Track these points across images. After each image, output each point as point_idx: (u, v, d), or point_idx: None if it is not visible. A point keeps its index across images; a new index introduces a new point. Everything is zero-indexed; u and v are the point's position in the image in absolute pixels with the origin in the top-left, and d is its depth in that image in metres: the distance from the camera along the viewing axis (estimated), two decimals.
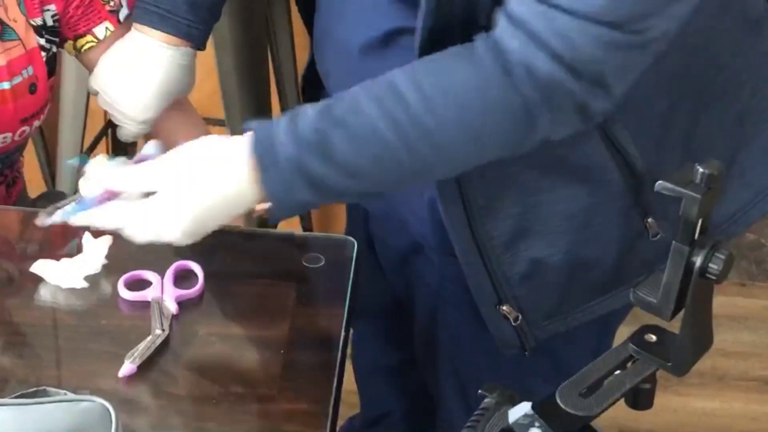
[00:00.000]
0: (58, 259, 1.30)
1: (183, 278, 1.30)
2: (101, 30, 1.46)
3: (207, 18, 1.44)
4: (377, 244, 1.60)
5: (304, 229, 2.36)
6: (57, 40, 1.46)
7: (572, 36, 1.07)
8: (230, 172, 1.15)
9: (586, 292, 1.35)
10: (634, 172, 1.26)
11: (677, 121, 1.28)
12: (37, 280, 1.28)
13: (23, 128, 1.45)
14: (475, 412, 0.93)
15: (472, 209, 1.27)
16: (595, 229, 1.29)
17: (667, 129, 1.28)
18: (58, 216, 1.23)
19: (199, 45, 1.45)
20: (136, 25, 1.44)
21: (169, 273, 1.29)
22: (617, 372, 0.95)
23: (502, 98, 1.11)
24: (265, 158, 1.14)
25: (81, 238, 1.32)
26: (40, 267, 1.28)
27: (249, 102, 2.21)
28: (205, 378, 1.19)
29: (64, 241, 1.35)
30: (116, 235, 1.24)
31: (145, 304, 1.26)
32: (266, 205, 1.17)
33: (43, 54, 1.44)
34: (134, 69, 1.44)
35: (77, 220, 1.22)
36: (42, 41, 1.44)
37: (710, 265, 0.89)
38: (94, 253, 1.30)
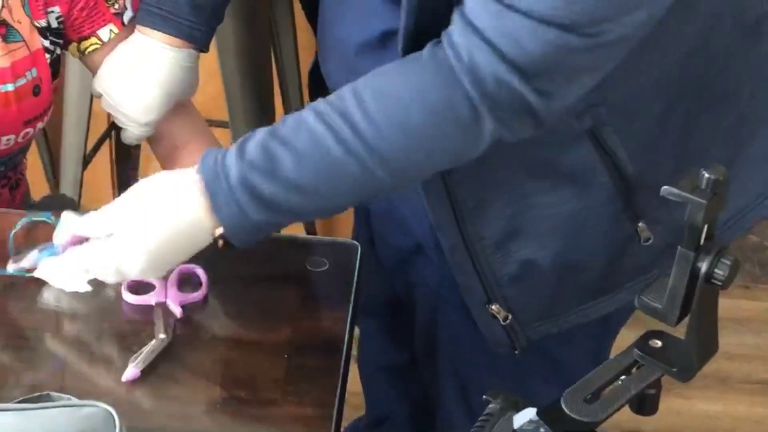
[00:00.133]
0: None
1: (187, 282, 1.30)
2: (105, 32, 1.46)
3: (210, 20, 1.44)
4: (378, 243, 1.60)
5: (308, 233, 2.36)
6: (61, 42, 1.46)
7: (522, 37, 1.06)
8: (182, 204, 1.18)
9: (577, 294, 1.35)
10: (624, 176, 1.26)
11: (671, 124, 1.28)
12: (41, 283, 1.27)
13: (27, 130, 1.45)
14: (480, 418, 0.92)
15: (461, 210, 1.27)
16: (586, 232, 1.29)
17: (660, 133, 1.27)
18: (27, 261, 1.26)
19: (202, 47, 1.45)
20: (138, 27, 1.44)
21: (173, 277, 1.29)
22: (622, 378, 0.94)
23: (443, 100, 1.11)
24: (213, 183, 1.15)
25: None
26: (44, 271, 1.28)
27: (252, 104, 2.21)
28: (209, 382, 1.19)
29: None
30: None
31: (149, 308, 1.26)
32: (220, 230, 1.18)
33: (48, 56, 1.44)
34: (137, 71, 1.44)
35: (44, 266, 1.25)
36: (46, 43, 1.44)
37: (716, 270, 0.88)
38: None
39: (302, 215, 1.23)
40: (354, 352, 1.33)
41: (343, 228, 2.31)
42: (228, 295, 1.31)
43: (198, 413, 1.16)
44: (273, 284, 1.33)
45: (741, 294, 2.67)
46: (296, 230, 2.26)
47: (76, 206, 1.90)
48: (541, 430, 0.90)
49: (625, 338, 1.35)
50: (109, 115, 1.52)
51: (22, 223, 1.32)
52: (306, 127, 1.14)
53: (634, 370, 0.95)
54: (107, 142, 2.38)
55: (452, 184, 1.26)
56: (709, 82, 1.28)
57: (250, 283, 1.32)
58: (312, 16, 1.45)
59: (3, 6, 1.39)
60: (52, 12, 1.43)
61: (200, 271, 1.30)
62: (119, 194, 1.25)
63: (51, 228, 1.27)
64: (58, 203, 1.70)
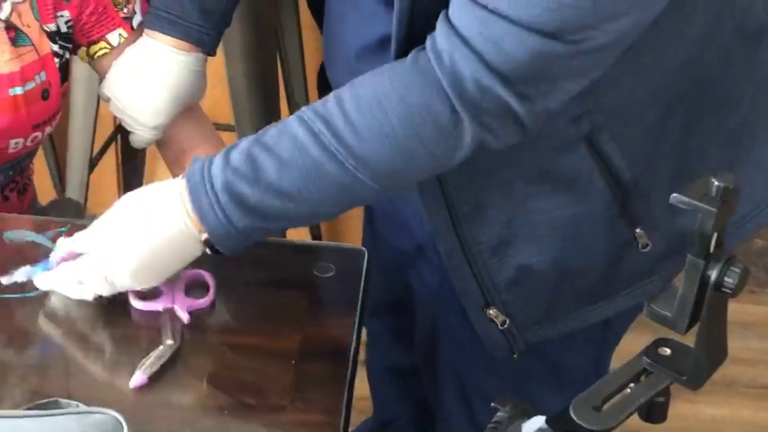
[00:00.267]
0: None
1: (194, 288, 1.30)
2: (115, 37, 1.46)
3: (218, 24, 1.45)
4: (381, 245, 1.60)
5: (313, 238, 2.36)
6: (70, 46, 1.46)
7: (505, 43, 1.06)
8: (167, 212, 1.19)
9: (575, 299, 1.35)
10: (620, 182, 1.26)
11: (669, 131, 1.27)
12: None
13: (35, 134, 1.45)
14: (489, 426, 0.92)
15: (458, 215, 1.28)
16: (583, 237, 1.29)
17: (658, 139, 1.27)
18: (22, 275, 1.26)
19: (210, 51, 1.46)
20: (147, 31, 1.44)
21: (181, 283, 1.29)
22: (631, 385, 0.94)
23: (423, 104, 1.11)
24: (197, 189, 1.17)
25: None
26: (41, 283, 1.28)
27: (258, 108, 2.21)
28: (217, 388, 1.19)
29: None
30: None
31: (156, 314, 1.26)
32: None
33: (57, 60, 1.44)
34: (145, 74, 1.44)
35: (39, 279, 1.26)
36: (55, 47, 1.44)
37: (726, 278, 0.88)
38: None
39: (286, 221, 1.23)
40: (362, 356, 1.33)
41: (350, 234, 2.31)
42: (235, 300, 1.30)
43: (205, 419, 1.16)
44: (280, 290, 1.33)
45: (747, 298, 2.67)
46: (302, 236, 2.27)
47: (82, 210, 1.90)
48: None
49: (629, 342, 1.36)
50: (114, 119, 1.52)
51: (27, 238, 1.33)
52: (289, 133, 1.15)
53: (642, 377, 0.95)
54: (113, 145, 2.38)
55: (449, 189, 1.26)
56: (708, 89, 1.28)
57: (257, 289, 1.32)
58: (319, 17, 1.46)
59: (12, 10, 1.39)
60: (62, 16, 1.44)
61: (208, 277, 1.30)
62: None
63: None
64: (65, 209, 1.71)
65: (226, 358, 1.23)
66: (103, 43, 1.47)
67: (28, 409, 1.06)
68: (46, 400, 1.08)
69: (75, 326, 1.26)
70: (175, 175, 1.37)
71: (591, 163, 1.24)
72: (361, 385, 1.40)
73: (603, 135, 1.22)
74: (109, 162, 2.43)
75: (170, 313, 1.26)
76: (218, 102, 2.11)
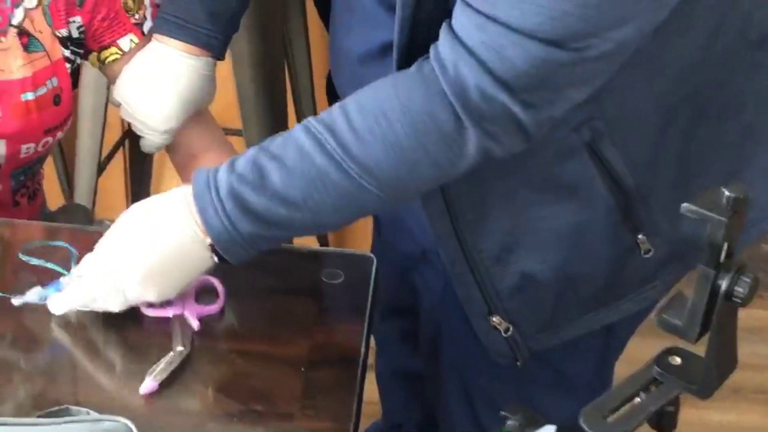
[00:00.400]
0: None
1: (204, 294, 1.30)
2: (126, 42, 1.47)
3: (226, 28, 1.45)
4: (388, 249, 1.61)
5: (321, 245, 2.36)
6: (82, 51, 1.47)
7: (508, 51, 1.06)
8: (173, 221, 1.20)
9: (578, 305, 1.35)
10: (623, 189, 1.26)
11: (671, 137, 1.27)
12: None
13: (46, 139, 1.46)
14: None
15: (459, 223, 1.28)
16: (585, 244, 1.29)
17: (660, 146, 1.27)
18: (34, 296, 1.26)
19: (219, 55, 1.46)
20: (156, 36, 1.45)
21: (191, 289, 1.29)
22: (641, 394, 0.94)
23: (426, 112, 1.11)
24: (203, 197, 1.17)
25: None
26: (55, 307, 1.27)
27: (266, 112, 2.22)
28: (226, 395, 1.19)
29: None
30: None
31: (167, 321, 1.26)
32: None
33: (68, 66, 1.45)
34: (155, 79, 1.44)
35: (53, 304, 1.25)
36: (67, 53, 1.44)
37: (736, 288, 0.89)
38: None
39: (292, 230, 1.23)
40: (370, 360, 1.33)
41: (357, 240, 2.31)
42: (245, 307, 1.31)
43: (215, 426, 1.16)
44: (289, 296, 1.33)
45: (754, 303, 2.65)
46: (310, 243, 2.27)
47: (90, 216, 1.90)
48: None
49: (636, 348, 1.36)
50: (122, 124, 1.52)
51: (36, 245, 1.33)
52: (294, 142, 1.16)
53: (652, 387, 0.95)
54: (121, 150, 2.39)
55: (451, 197, 1.26)
56: (711, 96, 1.28)
57: (267, 296, 1.32)
58: (327, 22, 1.46)
59: (25, 16, 1.39)
60: (74, 22, 1.44)
61: (218, 283, 1.30)
62: (133, 203, 1.26)
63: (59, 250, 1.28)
64: (75, 215, 1.71)
65: (236, 365, 1.23)
66: (114, 49, 1.47)
67: (39, 416, 1.06)
68: (57, 408, 1.08)
69: (85, 333, 1.26)
70: (184, 180, 1.37)
71: (593, 170, 1.24)
72: (370, 388, 1.40)
73: (605, 142, 1.23)
74: (117, 167, 2.44)
75: (180, 319, 1.26)
76: (225, 106, 2.12)
